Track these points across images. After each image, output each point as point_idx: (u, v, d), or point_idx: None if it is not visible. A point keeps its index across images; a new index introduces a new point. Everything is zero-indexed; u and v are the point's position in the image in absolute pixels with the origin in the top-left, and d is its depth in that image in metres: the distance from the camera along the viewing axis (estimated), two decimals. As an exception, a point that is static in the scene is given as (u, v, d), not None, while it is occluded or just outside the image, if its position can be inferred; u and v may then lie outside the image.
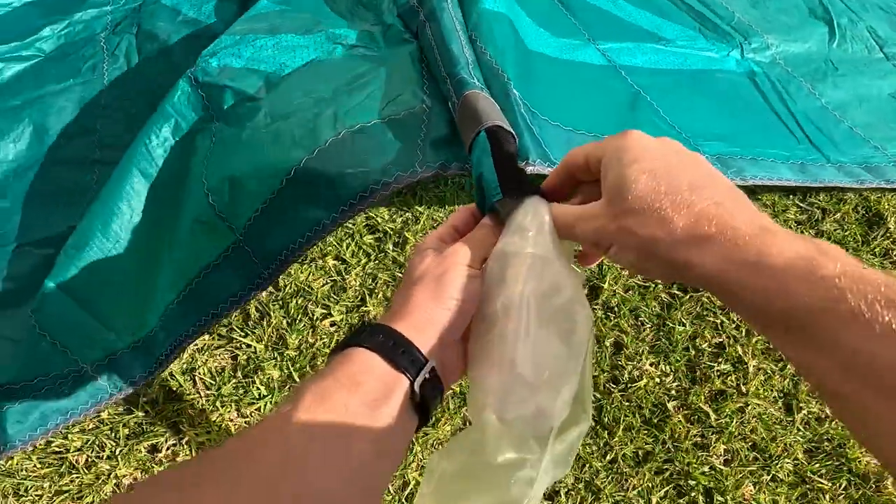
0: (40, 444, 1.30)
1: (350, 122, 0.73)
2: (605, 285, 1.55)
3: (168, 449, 1.32)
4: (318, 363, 1.40)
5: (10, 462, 1.27)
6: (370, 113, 0.74)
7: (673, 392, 1.44)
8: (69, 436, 1.31)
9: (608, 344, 1.49)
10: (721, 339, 1.54)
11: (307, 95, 0.77)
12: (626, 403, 1.42)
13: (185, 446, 1.32)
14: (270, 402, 1.36)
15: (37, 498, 1.25)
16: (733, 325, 1.55)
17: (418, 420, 0.50)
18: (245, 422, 1.35)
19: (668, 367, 1.46)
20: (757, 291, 0.41)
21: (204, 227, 0.74)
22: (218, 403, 1.36)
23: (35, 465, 1.28)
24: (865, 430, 0.38)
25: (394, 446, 0.48)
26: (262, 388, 1.38)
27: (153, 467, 1.29)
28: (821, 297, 0.38)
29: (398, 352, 0.48)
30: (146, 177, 0.77)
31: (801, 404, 1.46)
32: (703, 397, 1.43)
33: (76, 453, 1.30)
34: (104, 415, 1.34)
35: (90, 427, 1.33)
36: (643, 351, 1.47)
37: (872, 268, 0.39)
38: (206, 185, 0.74)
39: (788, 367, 1.51)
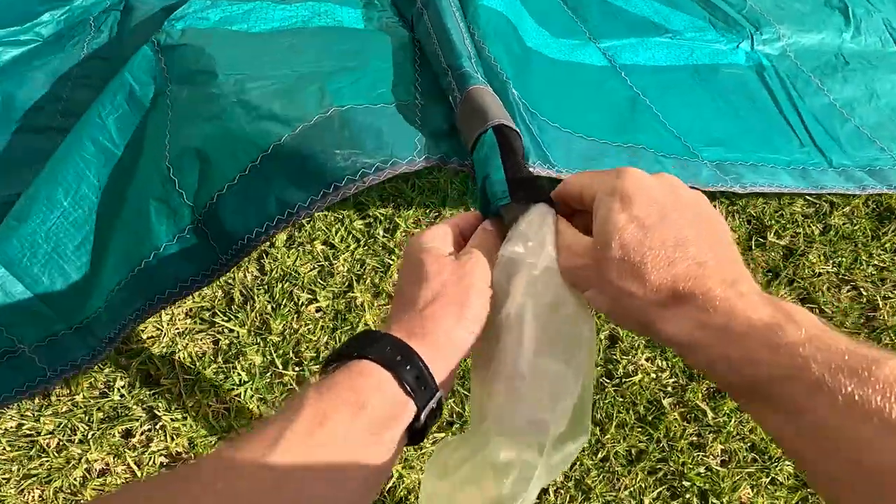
0: (11, 427, 1.25)
1: (339, 102, 0.67)
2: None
3: (142, 434, 1.26)
4: (302, 349, 1.35)
5: (-23, 443, 1.22)
6: (361, 96, 0.67)
7: (669, 388, 1.38)
8: (41, 419, 1.26)
9: (602, 337, 1.42)
10: (721, 337, 1.47)
11: (285, 65, 0.71)
12: (620, 399, 1.35)
13: (160, 431, 1.26)
14: (251, 389, 1.30)
15: (4, 482, 1.20)
16: (734, 323, 1.49)
17: (409, 440, 0.46)
18: (224, 408, 1.29)
19: (664, 363, 1.40)
20: (723, 359, 0.40)
21: (160, 204, 0.68)
22: (196, 389, 1.31)
23: (4, 448, 1.22)
24: (837, 499, 0.36)
25: (385, 475, 0.45)
26: (244, 374, 1.32)
27: (126, 452, 1.24)
28: (785, 365, 0.37)
29: (412, 375, 0.44)
30: (98, 147, 0.72)
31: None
32: (700, 395, 1.36)
33: (47, 436, 1.25)
34: (78, 398, 1.28)
35: (63, 410, 1.28)
36: (639, 345, 1.41)
37: (838, 331, 0.38)
38: (168, 157, 0.68)
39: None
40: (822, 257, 1.57)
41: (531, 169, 0.63)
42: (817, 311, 1.52)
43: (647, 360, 1.40)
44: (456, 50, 0.69)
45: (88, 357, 0.69)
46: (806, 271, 1.55)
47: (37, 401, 1.28)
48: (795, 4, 1.16)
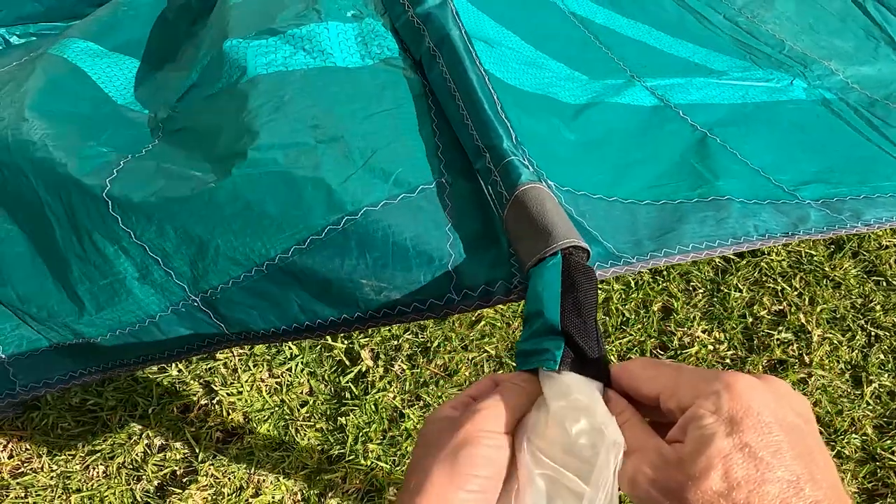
0: (75, 403, 1.23)
1: (351, 203, 0.49)
2: (656, 247, 1.38)
3: (199, 409, 1.23)
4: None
5: (45, 420, 1.20)
6: (375, 186, 0.49)
7: (728, 361, 1.27)
8: (104, 394, 1.24)
9: (655, 309, 1.32)
10: (782, 307, 1.35)
11: (273, 132, 0.56)
12: (676, 372, 1.25)
13: (216, 406, 1.22)
14: (301, 363, 1.25)
15: (70, 458, 1.18)
16: (795, 293, 1.36)
17: None
18: (276, 383, 1.24)
19: (722, 335, 1.29)
20: None
21: (140, 277, 0.54)
22: (250, 363, 1.26)
23: (69, 424, 1.20)
24: None
25: None
26: (294, 348, 1.27)
27: (184, 427, 1.20)
28: None
29: None
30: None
31: (871, 377, 1.26)
32: (761, 367, 1.25)
33: (110, 412, 1.22)
34: (138, 373, 1.25)
35: (125, 385, 1.25)
36: (695, 317, 1.30)
37: None
38: (135, 231, 0.54)
39: (857, 336, 1.31)
40: (888, 231, 1.43)
41: (597, 273, 0.46)
42: (884, 283, 1.39)
43: (703, 331, 1.29)
44: (493, 126, 0.51)
45: (65, 379, 0.60)
46: (872, 244, 1.41)
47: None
48: (836, 42, 0.99)
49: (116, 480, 1.16)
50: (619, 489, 0.37)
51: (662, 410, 0.39)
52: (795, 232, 0.60)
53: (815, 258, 1.41)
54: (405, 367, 1.26)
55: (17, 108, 0.62)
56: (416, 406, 1.23)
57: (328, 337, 1.27)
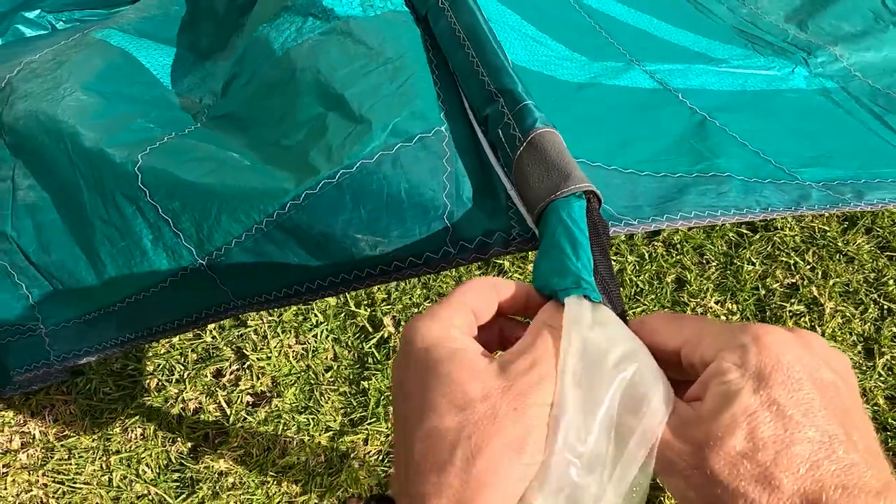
0: (116, 368, 1.23)
1: (347, 157, 0.46)
2: (670, 221, 1.34)
3: (231, 374, 1.23)
4: (374, 290, 1.27)
5: (88, 385, 1.21)
6: (371, 141, 0.47)
7: (739, 332, 1.23)
8: (143, 360, 1.24)
9: (669, 280, 1.28)
10: (794, 280, 1.31)
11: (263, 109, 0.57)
12: (688, 343, 1.22)
13: (247, 371, 1.22)
14: (326, 329, 1.24)
15: (110, 421, 1.19)
16: (808, 266, 1.32)
17: None
18: (302, 349, 1.24)
19: (735, 306, 1.25)
20: None
21: (154, 237, 0.53)
22: (279, 330, 1.26)
23: (111, 388, 1.21)
24: None
25: None
26: (320, 315, 1.26)
27: (217, 391, 1.20)
28: None
29: None
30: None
31: (883, 349, 1.22)
32: (772, 339, 1.22)
33: (148, 377, 1.23)
34: (175, 340, 1.26)
35: (162, 351, 1.25)
36: (707, 288, 1.26)
37: None
38: (149, 192, 0.52)
39: (870, 310, 1.27)
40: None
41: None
42: (899, 253, 1.34)
43: (716, 302, 1.26)
44: (507, 71, 0.48)
45: (91, 351, 0.59)
46: (885, 220, 1.36)
47: (139, 343, 1.26)
48: (844, 26, 0.93)
49: (153, 442, 1.16)
50: None
51: (683, 366, 0.34)
52: (798, 207, 0.57)
53: (828, 233, 1.36)
54: (426, 335, 1.25)
55: (71, 85, 0.62)
56: (436, 373, 1.21)
57: (352, 304, 1.26)
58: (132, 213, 0.53)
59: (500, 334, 0.38)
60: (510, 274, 1.29)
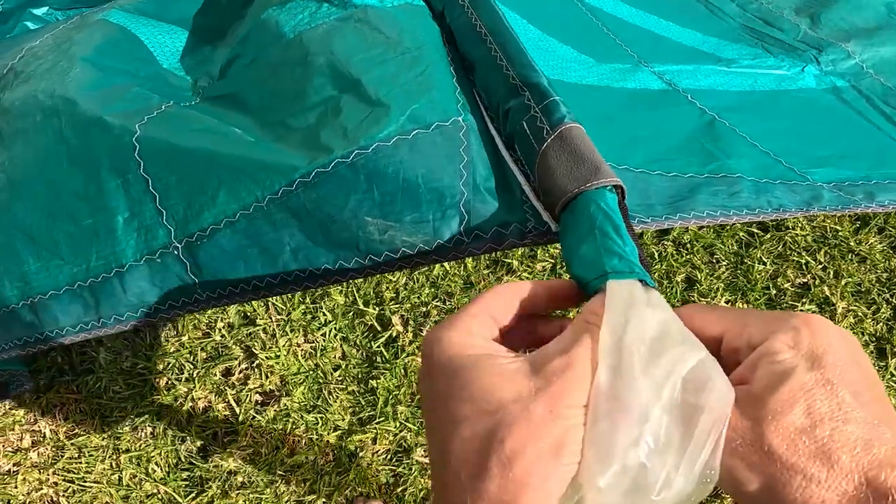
0: (126, 367, 1.22)
1: (364, 138, 0.44)
2: (680, 220, 1.31)
3: (240, 373, 1.22)
4: (382, 289, 1.25)
5: (98, 384, 1.20)
6: (391, 118, 0.45)
7: (750, 332, 1.21)
8: (153, 358, 1.23)
9: (679, 280, 1.26)
10: (806, 280, 1.28)
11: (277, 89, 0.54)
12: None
13: (256, 370, 1.21)
14: (335, 328, 1.23)
15: (120, 419, 1.18)
16: (819, 266, 1.29)
17: None
18: (311, 347, 1.22)
19: (745, 305, 1.23)
20: None
21: (129, 215, 0.50)
22: (287, 328, 1.25)
23: (121, 387, 1.20)
24: None
25: None
26: (328, 314, 1.24)
27: (226, 390, 1.19)
28: None
29: None
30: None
31: (895, 349, 1.19)
32: (783, 339, 1.19)
33: (158, 375, 1.22)
34: (184, 338, 1.25)
35: (171, 350, 1.24)
36: (718, 288, 1.24)
37: None
38: (143, 164, 0.50)
39: (882, 310, 1.24)
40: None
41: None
42: (912, 251, 1.31)
43: (727, 301, 1.23)
44: (533, 65, 0.47)
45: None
46: (898, 217, 1.34)
47: (148, 340, 1.25)
48: (858, 23, 0.91)
49: (162, 441, 1.15)
50: None
51: (722, 353, 0.33)
52: (810, 208, 0.55)
53: (840, 233, 1.33)
54: (434, 335, 1.23)
55: (69, 60, 0.60)
56: (445, 372, 1.20)
57: (360, 303, 1.24)
58: (115, 186, 0.50)
59: (529, 335, 0.37)
60: (519, 273, 1.27)
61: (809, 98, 0.77)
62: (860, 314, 1.23)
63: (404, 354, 1.20)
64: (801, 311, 1.18)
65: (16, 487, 1.12)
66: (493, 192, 0.45)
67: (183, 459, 1.14)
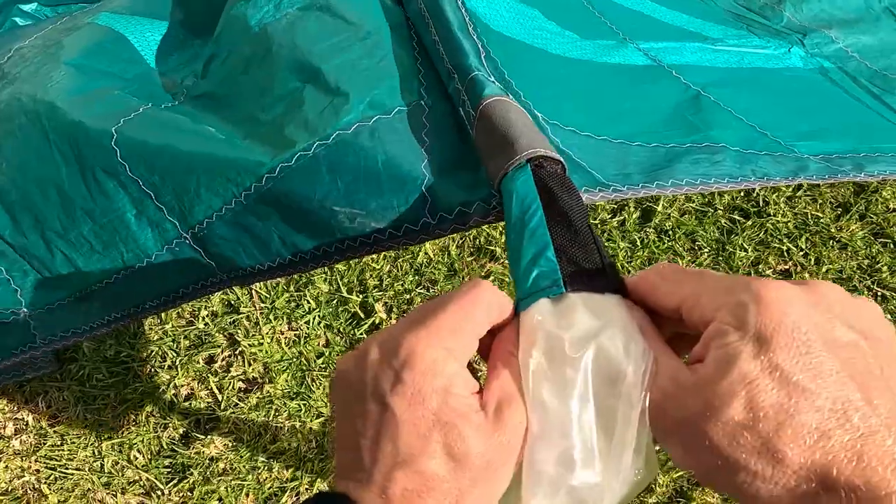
0: (110, 355, 1.21)
1: (323, 129, 0.44)
2: (659, 208, 1.31)
3: (223, 360, 1.20)
4: (366, 277, 1.24)
5: (81, 372, 1.19)
6: (349, 113, 0.44)
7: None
8: (136, 346, 1.22)
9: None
10: (787, 266, 1.28)
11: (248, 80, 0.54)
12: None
13: (238, 357, 1.20)
14: (318, 316, 1.22)
15: (103, 407, 1.16)
16: (801, 253, 1.29)
17: None
18: (295, 335, 1.21)
19: (726, 293, 1.22)
20: None
21: (137, 212, 0.50)
22: (271, 316, 1.23)
23: (104, 375, 1.19)
24: None
25: None
26: (312, 301, 1.23)
27: (209, 377, 1.18)
28: None
29: None
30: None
31: (874, 334, 1.19)
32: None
33: (141, 363, 1.20)
34: (167, 326, 1.23)
35: (154, 338, 1.23)
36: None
37: None
38: (129, 166, 0.50)
39: (863, 297, 1.24)
40: (895, 194, 1.34)
41: (583, 197, 0.40)
42: (891, 245, 1.30)
43: (708, 289, 1.23)
44: (461, 45, 0.46)
45: (79, 332, 0.56)
46: (879, 207, 1.33)
47: (132, 329, 1.23)
48: (837, 14, 0.91)
49: (145, 428, 1.14)
50: None
51: (687, 324, 0.31)
52: (796, 177, 0.54)
53: (821, 220, 1.33)
54: (417, 322, 1.22)
55: (54, 64, 0.60)
56: (428, 359, 1.19)
57: (344, 291, 1.23)
58: (113, 187, 0.50)
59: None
60: (502, 260, 1.26)
61: (796, 76, 0.76)
62: (840, 300, 1.23)
63: (387, 341, 1.19)
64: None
65: (-3, 475, 1.11)
66: (456, 173, 0.44)
67: (165, 446, 1.12)
